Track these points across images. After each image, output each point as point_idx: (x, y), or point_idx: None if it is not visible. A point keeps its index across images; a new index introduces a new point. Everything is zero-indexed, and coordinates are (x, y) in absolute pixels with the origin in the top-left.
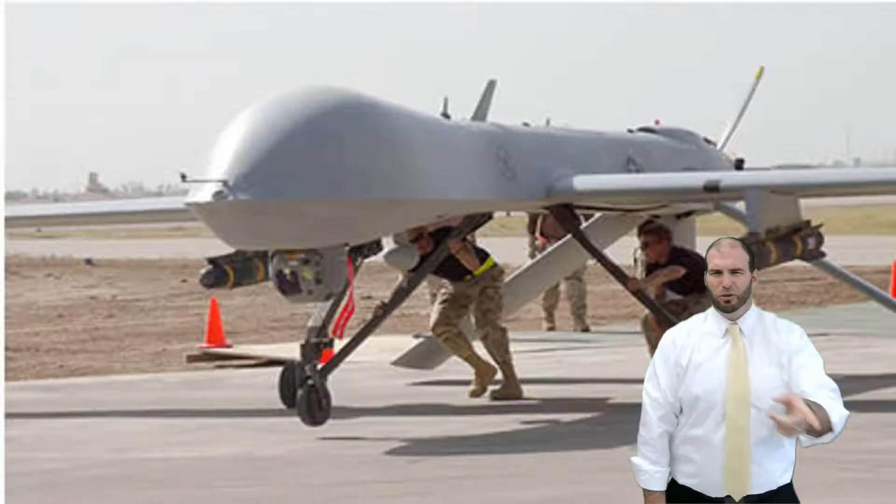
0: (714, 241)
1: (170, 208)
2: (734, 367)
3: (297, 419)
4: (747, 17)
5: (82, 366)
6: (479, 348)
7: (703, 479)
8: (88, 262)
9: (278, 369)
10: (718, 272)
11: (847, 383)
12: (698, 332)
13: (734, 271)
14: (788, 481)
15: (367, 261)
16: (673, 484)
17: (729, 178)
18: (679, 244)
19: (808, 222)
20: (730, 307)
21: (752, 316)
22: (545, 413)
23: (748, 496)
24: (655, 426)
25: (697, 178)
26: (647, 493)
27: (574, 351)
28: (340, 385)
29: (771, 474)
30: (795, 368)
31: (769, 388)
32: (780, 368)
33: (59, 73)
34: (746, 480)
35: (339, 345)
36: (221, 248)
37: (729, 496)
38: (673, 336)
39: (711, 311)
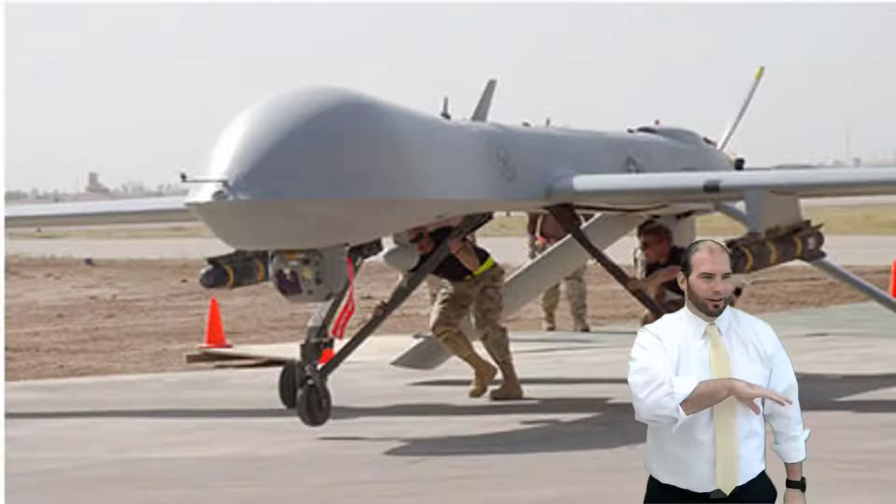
0: (695, 241)
1: (170, 208)
2: (717, 368)
3: (297, 419)
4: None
5: (82, 366)
6: (479, 348)
7: (689, 477)
8: (88, 262)
9: (278, 369)
10: (710, 276)
11: (847, 383)
12: (680, 334)
13: (724, 276)
14: (764, 467)
15: (367, 261)
16: (653, 482)
17: (729, 178)
18: (679, 244)
19: (808, 222)
20: (717, 311)
21: (727, 315)
22: (545, 413)
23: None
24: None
25: (697, 178)
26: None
27: (574, 351)
28: (340, 385)
29: (751, 464)
30: (771, 368)
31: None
32: (761, 364)
33: (59, 73)
34: (736, 474)
35: (339, 345)
36: (221, 248)
37: (714, 491)
38: (657, 332)
39: (686, 314)
